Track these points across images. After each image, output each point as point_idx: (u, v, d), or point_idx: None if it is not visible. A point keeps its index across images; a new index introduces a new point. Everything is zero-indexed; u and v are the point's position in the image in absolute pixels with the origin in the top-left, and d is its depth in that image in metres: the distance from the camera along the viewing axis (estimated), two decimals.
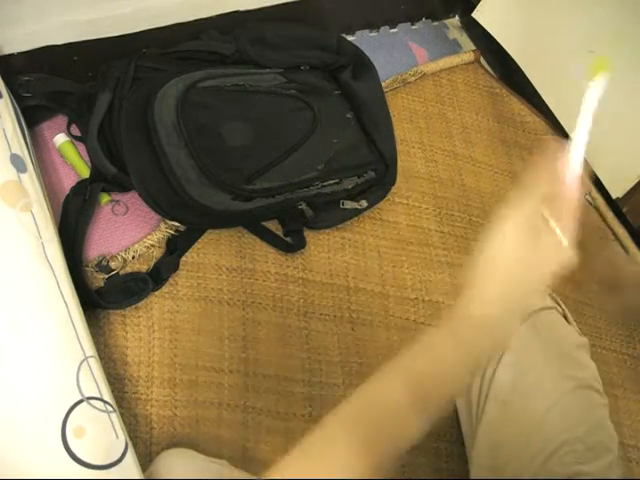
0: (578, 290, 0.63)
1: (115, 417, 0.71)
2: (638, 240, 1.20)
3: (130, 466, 0.70)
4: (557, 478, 0.71)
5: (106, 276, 0.91)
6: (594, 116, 0.56)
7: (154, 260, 0.94)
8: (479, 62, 1.31)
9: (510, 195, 0.53)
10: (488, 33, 1.28)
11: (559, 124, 1.24)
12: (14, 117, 0.83)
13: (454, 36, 1.37)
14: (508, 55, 1.27)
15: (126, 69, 0.95)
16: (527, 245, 0.51)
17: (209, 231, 0.98)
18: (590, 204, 1.23)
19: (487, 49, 1.33)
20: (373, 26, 1.28)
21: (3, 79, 0.86)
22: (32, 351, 0.69)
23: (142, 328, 0.89)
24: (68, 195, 0.92)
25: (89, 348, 0.74)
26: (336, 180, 0.99)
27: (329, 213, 1.01)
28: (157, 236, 0.95)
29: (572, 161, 0.55)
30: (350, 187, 1.01)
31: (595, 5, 1.09)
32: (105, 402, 0.71)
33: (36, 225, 0.76)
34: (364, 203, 1.03)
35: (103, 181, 0.93)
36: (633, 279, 0.63)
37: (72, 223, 0.90)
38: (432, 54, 1.31)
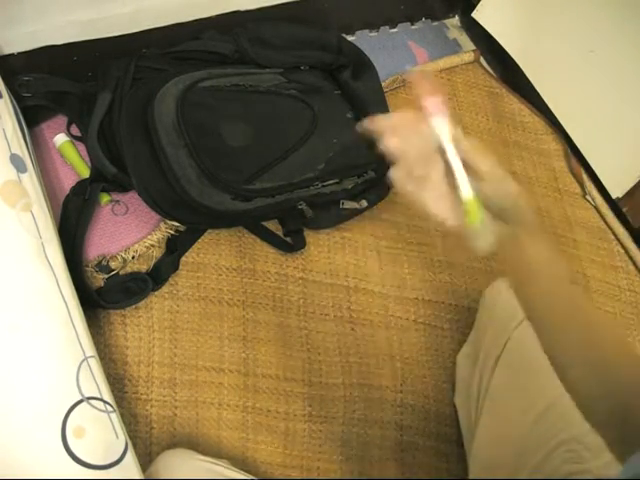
0: None
1: (115, 417, 0.71)
2: (638, 240, 1.20)
3: (130, 466, 0.70)
4: (555, 477, 0.71)
5: (106, 276, 0.91)
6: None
7: (154, 260, 0.94)
8: (479, 62, 1.31)
9: None
10: (488, 33, 1.28)
11: (559, 124, 1.24)
12: (14, 117, 0.83)
13: (454, 36, 1.36)
14: (508, 55, 1.27)
15: (126, 69, 0.95)
16: None
17: (209, 231, 0.98)
18: (590, 204, 1.23)
19: (487, 49, 1.33)
20: (373, 26, 1.28)
21: (3, 79, 0.86)
22: (32, 351, 0.69)
23: (142, 328, 0.90)
24: (68, 195, 0.92)
25: (89, 348, 0.74)
26: (336, 180, 0.99)
27: (329, 213, 1.01)
28: (157, 236, 0.95)
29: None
30: (350, 187, 1.01)
31: (595, 5, 1.09)
32: (105, 402, 0.71)
33: (36, 225, 0.76)
34: (364, 203, 1.03)
35: (103, 181, 0.93)
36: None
37: (72, 223, 0.90)
38: (432, 54, 1.31)
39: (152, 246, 0.95)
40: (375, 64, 1.08)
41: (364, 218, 1.06)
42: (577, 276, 1.14)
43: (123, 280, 0.91)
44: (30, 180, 0.79)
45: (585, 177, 1.23)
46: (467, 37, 1.37)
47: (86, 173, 0.95)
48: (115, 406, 0.72)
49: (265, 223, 1.01)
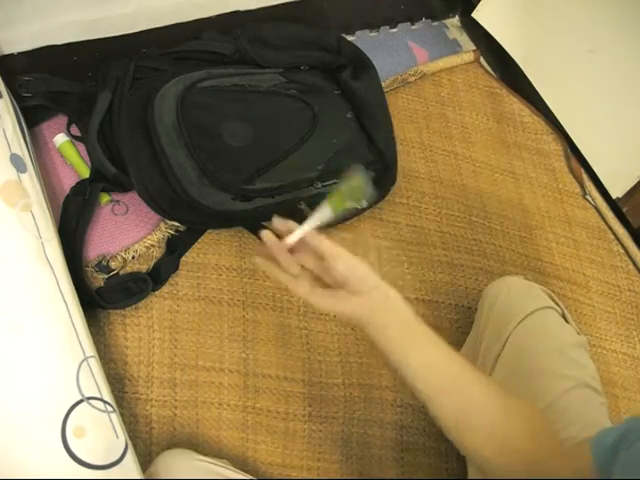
0: None
1: (115, 417, 0.71)
2: (638, 240, 1.20)
3: (130, 466, 0.70)
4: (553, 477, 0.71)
5: (106, 276, 0.91)
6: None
7: (154, 260, 0.94)
8: (479, 62, 1.31)
9: None
10: (488, 33, 1.28)
11: (559, 124, 1.24)
12: (14, 117, 0.84)
13: (454, 36, 1.36)
14: (508, 55, 1.27)
15: (126, 69, 0.95)
16: None
17: (209, 231, 0.98)
18: (590, 204, 1.23)
19: (487, 49, 1.33)
20: (373, 26, 1.28)
21: (3, 79, 0.86)
22: (32, 351, 0.69)
23: (142, 328, 0.90)
24: (68, 195, 0.92)
25: (89, 348, 0.74)
26: (336, 180, 0.99)
27: None
28: (157, 236, 0.95)
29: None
30: None
31: (595, 4, 1.09)
32: (105, 402, 0.71)
33: (36, 225, 0.76)
34: (364, 203, 1.02)
35: (103, 181, 0.93)
36: None
37: (72, 223, 0.90)
38: (432, 54, 1.31)
39: (152, 246, 0.95)
40: (375, 64, 1.08)
41: (364, 218, 1.06)
42: (577, 276, 1.15)
43: (123, 280, 0.91)
44: (30, 180, 0.79)
45: (585, 177, 1.23)
46: (467, 37, 1.37)
47: (86, 173, 0.95)
48: (115, 406, 0.72)
49: (265, 223, 1.01)
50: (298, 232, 0.65)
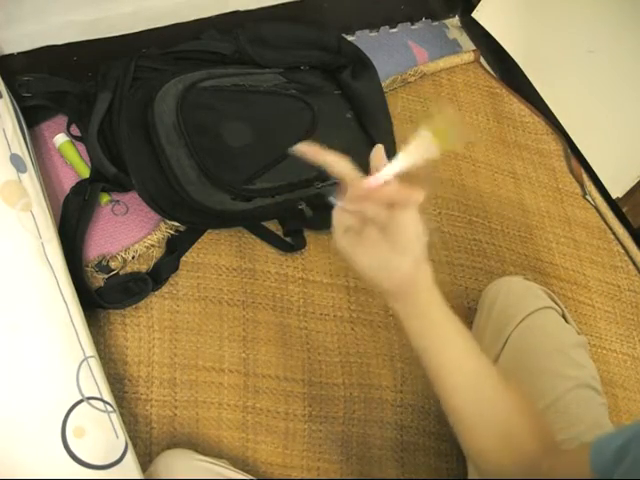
0: None
1: (115, 417, 0.71)
2: (638, 240, 1.20)
3: (130, 466, 0.70)
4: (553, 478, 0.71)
5: (106, 276, 0.91)
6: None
7: (154, 260, 0.94)
8: (479, 62, 1.31)
9: None
10: (488, 33, 1.28)
11: (559, 124, 1.24)
12: (14, 117, 0.83)
13: (454, 36, 1.36)
14: (508, 55, 1.27)
15: (126, 69, 0.95)
16: None
17: (209, 231, 0.98)
18: (590, 204, 1.23)
19: (487, 49, 1.33)
20: (373, 26, 1.28)
21: (3, 79, 0.86)
22: (32, 351, 0.69)
23: (142, 328, 0.90)
24: (68, 195, 0.92)
25: (89, 348, 0.74)
26: (336, 180, 0.99)
27: (329, 213, 1.01)
28: (157, 236, 0.95)
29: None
30: None
31: (595, 5, 1.09)
32: (105, 402, 0.71)
33: (36, 225, 0.76)
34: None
35: (103, 181, 0.93)
36: None
37: (72, 223, 0.90)
38: (432, 54, 1.31)
39: (152, 246, 0.95)
40: (375, 64, 1.08)
41: None
42: (577, 276, 1.15)
43: (123, 280, 0.91)
44: (30, 180, 0.79)
45: (585, 177, 1.23)
46: (467, 37, 1.37)
47: (86, 173, 0.95)
48: (115, 406, 0.72)
49: (265, 223, 1.01)
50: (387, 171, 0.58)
